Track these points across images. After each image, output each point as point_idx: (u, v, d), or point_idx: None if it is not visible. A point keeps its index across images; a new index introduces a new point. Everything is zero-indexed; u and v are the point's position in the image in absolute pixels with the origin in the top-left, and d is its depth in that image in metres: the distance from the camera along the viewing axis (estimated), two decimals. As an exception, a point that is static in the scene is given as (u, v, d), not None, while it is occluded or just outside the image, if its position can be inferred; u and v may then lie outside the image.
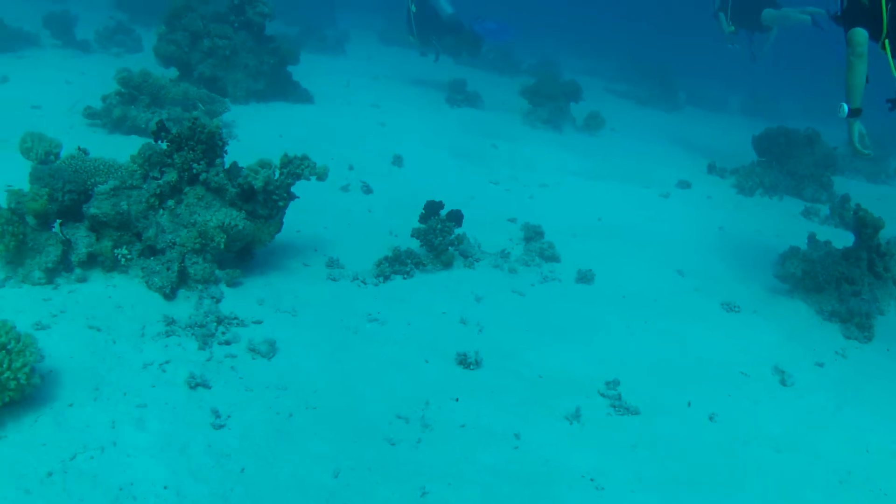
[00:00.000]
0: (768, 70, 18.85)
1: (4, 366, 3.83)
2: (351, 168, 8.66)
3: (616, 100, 17.99)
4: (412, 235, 6.43)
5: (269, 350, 4.81)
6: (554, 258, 6.98)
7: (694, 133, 15.17)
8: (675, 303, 6.64)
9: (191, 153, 5.33)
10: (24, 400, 3.94)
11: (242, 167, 5.56)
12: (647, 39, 28.94)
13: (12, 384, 3.83)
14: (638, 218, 8.82)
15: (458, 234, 6.43)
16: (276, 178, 5.52)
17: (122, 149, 8.25)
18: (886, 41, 5.66)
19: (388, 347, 5.17)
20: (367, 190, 8.03)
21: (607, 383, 5.13)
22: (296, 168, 5.51)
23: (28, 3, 18.15)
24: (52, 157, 5.60)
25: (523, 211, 8.24)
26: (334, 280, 5.92)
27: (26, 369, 3.87)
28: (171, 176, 5.38)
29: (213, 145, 5.37)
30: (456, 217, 6.48)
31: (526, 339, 5.58)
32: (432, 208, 6.45)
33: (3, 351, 3.87)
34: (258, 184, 5.34)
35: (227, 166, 5.58)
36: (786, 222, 9.78)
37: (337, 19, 23.15)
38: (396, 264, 6.14)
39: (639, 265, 7.31)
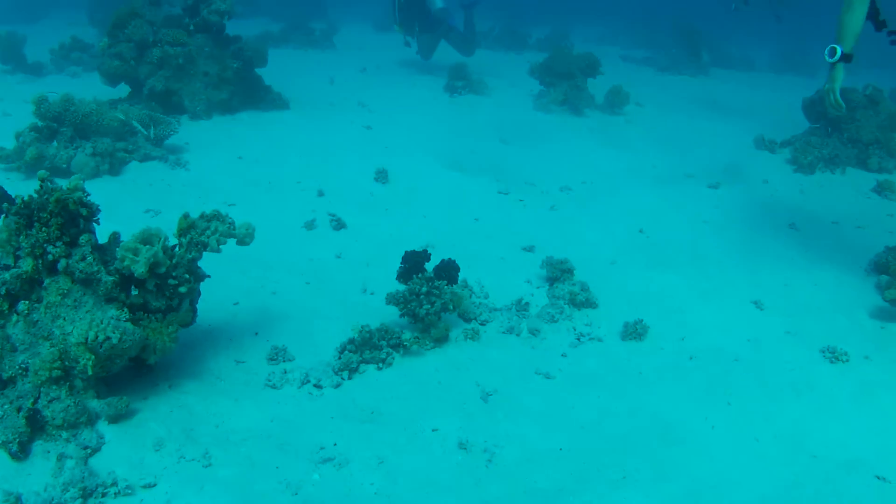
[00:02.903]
0: (792, 21, 16.88)
1: None
2: (321, 194, 6.88)
3: (635, 69, 16.00)
4: (388, 302, 4.59)
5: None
6: (589, 303, 5.17)
7: (727, 98, 13.22)
8: (761, 360, 4.75)
9: (44, 231, 3.61)
10: None
11: (122, 241, 3.82)
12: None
13: None
14: (687, 221, 7.02)
15: (454, 293, 4.63)
16: (168, 255, 3.75)
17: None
18: None
19: (345, 518, 3.30)
20: (339, 225, 6.23)
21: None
22: (199, 235, 3.76)
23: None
24: None
25: (543, 231, 6.47)
26: (274, 387, 4.09)
27: None
28: (27, 264, 3.68)
29: (71, 217, 3.63)
30: (448, 271, 4.63)
31: (559, 470, 3.61)
32: (414, 261, 4.59)
33: None
34: (140, 269, 3.59)
35: (103, 241, 3.85)
36: (860, 205, 8.00)
37: (328, 11, 21.34)
38: (366, 350, 4.29)
39: (701, 299, 5.47)
